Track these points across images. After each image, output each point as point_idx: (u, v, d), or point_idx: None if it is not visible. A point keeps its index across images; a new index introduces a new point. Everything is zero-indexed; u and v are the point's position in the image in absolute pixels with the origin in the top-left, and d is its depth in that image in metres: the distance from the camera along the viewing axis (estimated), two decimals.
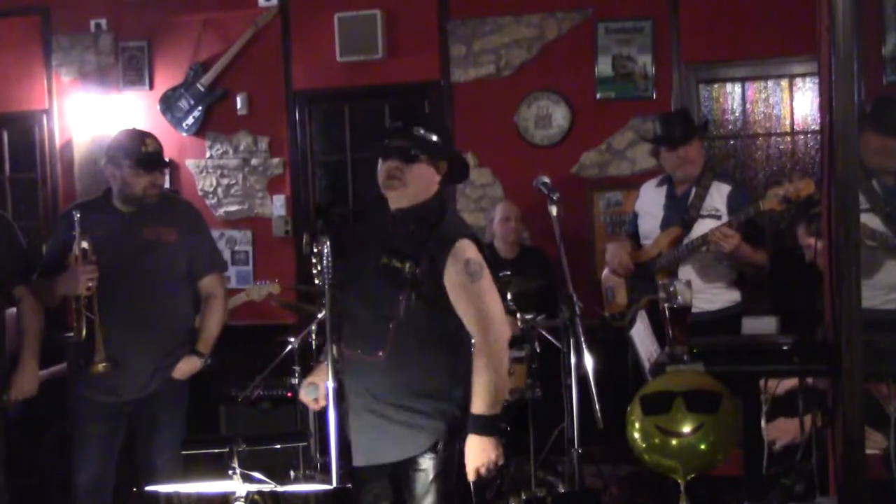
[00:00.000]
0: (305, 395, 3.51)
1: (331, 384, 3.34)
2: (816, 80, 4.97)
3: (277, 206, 6.72)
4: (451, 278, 3.16)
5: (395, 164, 3.20)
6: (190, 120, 6.78)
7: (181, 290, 4.21)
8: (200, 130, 6.81)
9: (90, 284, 3.94)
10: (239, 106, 6.72)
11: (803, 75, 5.97)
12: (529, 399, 5.01)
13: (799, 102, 6.03)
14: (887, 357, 3.00)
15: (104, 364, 3.96)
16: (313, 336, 5.26)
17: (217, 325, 4.27)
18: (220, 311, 4.30)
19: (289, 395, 5.40)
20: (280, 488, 2.90)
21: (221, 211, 6.80)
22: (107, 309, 3.99)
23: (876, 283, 3.98)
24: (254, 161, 6.76)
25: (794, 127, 6.05)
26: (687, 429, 2.79)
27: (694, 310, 3.44)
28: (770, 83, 6.08)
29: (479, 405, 3.15)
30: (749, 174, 6.06)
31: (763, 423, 3.42)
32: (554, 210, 3.79)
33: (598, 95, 6.20)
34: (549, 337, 5.00)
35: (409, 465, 3.22)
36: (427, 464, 3.21)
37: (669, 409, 2.81)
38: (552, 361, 4.47)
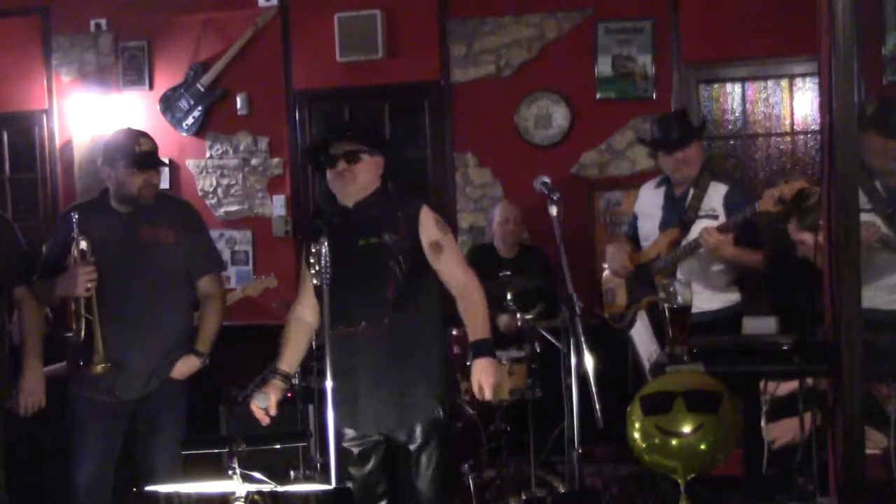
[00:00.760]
0: (256, 405, 3.75)
1: (329, 384, 3.34)
2: (816, 80, 4.98)
3: (277, 206, 6.72)
4: (428, 234, 3.67)
5: (342, 166, 3.69)
6: (190, 120, 6.78)
7: (179, 290, 4.21)
8: (200, 130, 6.81)
9: (89, 285, 3.94)
10: (239, 106, 6.72)
11: (803, 75, 5.97)
12: (529, 399, 5.01)
13: (799, 102, 6.03)
14: (887, 357, 3.00)
15: (103, 365, 3.96)
16: (313, 336, 5.25)
17: (215, 324, 4.27)
18: (219, 311, 4.29)
19: (289, 395, 5.39)
20: (280, 488, 2.89)
21: (221, 211, 6.80)
22: (105, 309, 3.99)
23: (877, 284, 3.98)
24: (254, 161, 6.76)
25: (794, 127, 6.05)
26: (687, 429, 2.79)
27: (693, 310, 3.43)
28: (770, 83, 6.08)
29: (482, 331, 3.70)
30: (749, 174, 6.06)
31: (763, 423, 3.42)
32: (554, 210, 3.78)
33: (598, 95, 6.20)
34: (549, 337, 5.00)
35: (412, 429, 3.65)
36: (428, 427, 3.65)
37: (669, 409, 2.81)
38: (552, 361, 4.46)
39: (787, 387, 3.45)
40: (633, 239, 5.09)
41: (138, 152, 4.06)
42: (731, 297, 4.80)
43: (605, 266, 5.15)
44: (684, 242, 4.73)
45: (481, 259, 5.85)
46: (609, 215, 6.19)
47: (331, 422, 3.32)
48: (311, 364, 5.28)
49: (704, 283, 4.68)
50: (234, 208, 6.80)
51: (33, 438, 4.77)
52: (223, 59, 6.69)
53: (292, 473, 5.05)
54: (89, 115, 6.88)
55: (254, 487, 2.87)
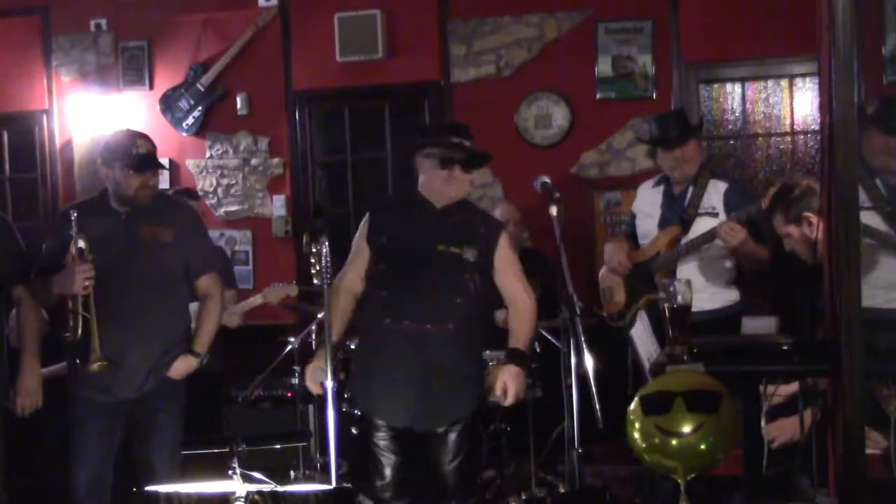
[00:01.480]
0: (312, 380, 3.87)
1: (329, 384, 3.34)
2: (816, 80, 4.96)
3: (277, 206, 6.72)
4: (503, 255, 3.96)
5: (457, 172, 3.88)
6: (190, 120, 6.78)
7: (177, 289, 4.21)
8: (200, 130, 6.81)
9: (86, 284, 3.94)
10: (239, 106, 6.72)
11: (803, 75, 5.97)
12: (529, 399, 5.00)
13: (799, 102, 6.03)
14: (887, 357, 3.00)
15: (100, 363, 3.96)
16: (313, 336, 5.26)
17: (213, 324, 4.28)
18: (217, 311, 4.30)
19: (289, 395, 5.40)
20: (280, 488, 2.90)
21: (221, 211, 6.80)
22: (103, 308, 3.99)
23: (876, 283, 3.97)
24: (254, 161, 6.76)
25: (794, 127, 6.05)
26: (687, 429, 2.79)
27: (693, 309, 3.44)
28: (770, 83, 6.08)
29: (522, 343, 3.92)
30: (749, 174, 6.06)
31: (763, 422, 3.41)
32: (554, 210, 3.78)
33: (598, 95, 6.20)
34: (549, 337, 5.00)
35: (453, 425, 3.86)
36: (464, 424, 3.88)
37: (669, 409, 2.81)
38: (552, 361, 4.46)
39: (787, 390, 3.45)
40: (632, 238, 5.09)
41: (135, 154, 4.06)
42: (731, 297, 4.80)
43: (604, 265, 5.15)
44: (686, 240, 4.73)
45: None
46: (609, 215, 6.19)
47: (331, 422, 3.32)
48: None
49: (704, 282, 4.68)
50: (234, 208, 6.80)
51: (32, 439, 4.77)
52: (223, 59, 6.68)
53: (292, 473, 5.05)
54: (89, 115, 6.88)
55: (254, 487, 2.87)
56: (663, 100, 6.05)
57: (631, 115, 6.11)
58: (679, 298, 3.24)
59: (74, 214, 3.99)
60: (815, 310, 3.14)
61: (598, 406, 3.57)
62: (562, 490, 4.93)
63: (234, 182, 6.79)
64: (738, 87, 6.12)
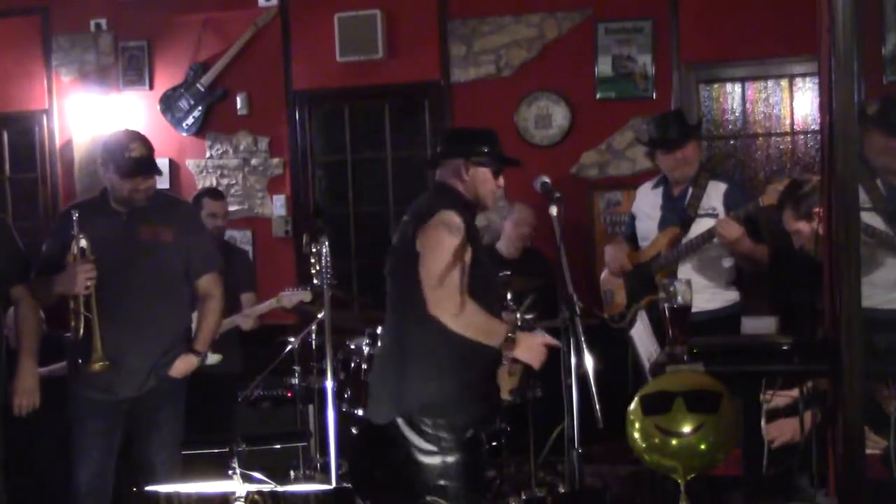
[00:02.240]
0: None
1: (330, 384, 3.34)
2: (816, 80, 4.97)
3: (277, 206, 6.72)
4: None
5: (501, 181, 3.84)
6: (190, 120, 6.78)
7: (178, 289, 4.21)
8: (200, 130, 6.81)
9: (88, 283, 3.95)
10: (239, 106, 6.72)
11: (803, 75, 5.97)
12: (529, 399, 5.01)
13: (799, 102, 6.03)
14: (887, 357, 3.00)
15: (100, 363, 3.97)
16: (313, 336, 5.26)
17: (214, 324, 4.28)
18: (217, 311, 4.30)
19: (289, 395, 5.40)
20: (280, 488, 2.90)
21: None
22: (104, 308, 3.99)
23: (876, 282, 3.97)
24: (254, 161, 6.76)
25: (794, 127, 6.05)
26: (687, 429, 2.79)
27: (693, 309, 3.44)
28: (770, 83, 6.08)
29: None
30: (749, 174, 6.06)
31: (763, 423, 3.42)
32: (554, 210, 3.78)
33: (598, 95, 6.20)
34: (549, 337, 4.99)
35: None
36: None
37: (669, 409, 2.81)
38: (552, 361, 4.46)
39: (784, 401, 3.46)
40: (631, 239, 5.09)
41: (126, 158, 4.04)
42: (731, 297, 4.81)
43: (605, 268, 5.15)
44: (686, 240, 4.73)
45: None
46: (609, 215, 6.19)
47: (331, 422, 3.32)
48: (312, 364, 5.29)
49: (704, 282, 4.68)
50: (234, 208, 6.79)
51: (31, 438, 4.77)
52: (223, 59, 6.69)
53: (292, 473, 5.05)
54: (89, 115, 6.88)
55: (254, 487, 2.88)
56: (663, 100, 6.05)
57: (631, 115, 6.11)
58: (679, 298, 3.24)
59: (76, 214, 3.99)
60: (815, 310, 3.14)
61: (598, 406, 3.57)
62: (562, 490, 4.93)
63: (234, 182, 6.79)
64: (738, 87, 6.12)
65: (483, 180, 3.83)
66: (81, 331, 3.97)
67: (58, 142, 7.02)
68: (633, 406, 2.92)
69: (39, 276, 4.12)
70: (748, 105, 6.10)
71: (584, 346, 3.59)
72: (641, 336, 3.64)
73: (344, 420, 4.50)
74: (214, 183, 6.79)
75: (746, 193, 4.88)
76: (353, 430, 4.74)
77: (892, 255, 4.04)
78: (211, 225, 5.33)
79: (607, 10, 6.16)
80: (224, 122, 6.78)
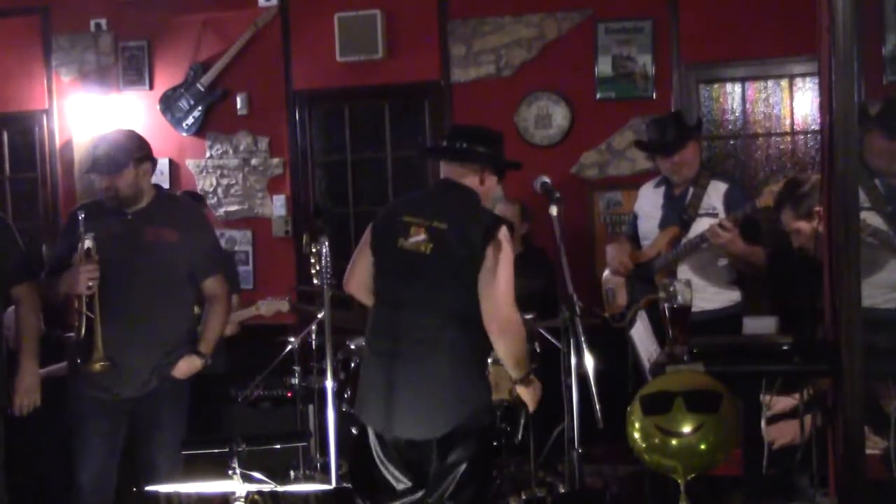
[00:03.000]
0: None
1: (330, 384, 3.34)
2: (816, 80, 4.97)
3: (277, 206, 6.72)
4: None
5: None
6: (190, 120, 6.78)
7: (182, 290, 4.21)
8: (200, 130, 6.81)
9: (90, 283, 3.95)
10: (239, 106, 6.72)
11: (803, 75, 5.96)
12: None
13: (799, 102, 6.02)
14: (887, 357, 3.00)
15: (101, 363, 3.97)
16: (313, 336, 5.26)
17: (219, 325, 4.28)
18: (223, 313, 4.30)
19: (289, 395, 5.40)
20: (280, 488, 2.90)
21: (221, 211, 6.80)
22: (107, 307, 3.99)
23: (876, 282, 3.97)
24: (254, 161, 6.76)
25: (794, 127, 6.04)
26: (687, 429, 2.79)
27: (693, 309, 3.44)
28: (770, 83, 6.07)
29: None
30: (749, 174, 6.06)
31: (763, 423, 3.42)
32: (554, 210, 3.77)
33: (598, 95, 6.20)
34: (549, 337, 5.00)
35: None
36: None
37: (669, 409, 2.81)
38: (552, 361, 4.46)
39: (783, 406, 3.47)
40: (634, 238, 5.09)
41: (91, 155, 4.09)
42: (732, 297, 4.81)
43: (607, 267, 5.16)
44: (685, 240, 4.73)
45: None
46: (609, 215, 6.19)
47: (331, 422, 3.32)
48: (312, 364, 5.29)
49: (705, 282, 4.69)
50: (234, 208, 6.80)
51: (32, 439, 4.77)
52: (223, 59, 6.68)
53: (292, 473, 5.05)
54: (89, 115, 6.88)
55: (254, 487, 2.88)
56: (663, 100, 6.05)
57: (631, 115, 6.11)
58: (679, 298, 3.24)
59: (82, 215, 4.00)
60: (815, 310, 3.14)
61: (598, 406, 3.57)
62: (562, 490, 4.93)
63: (234, 182, 6.79)
64: (738, 87, 6.11)
65: (493, 188, 3.84)
66: (83, 330, 3.97)
67: (58, 142, 7.02)
68: (632, 406, 2.92)
69: (49, 276, 4.13)
70: (748, 105, 6.10)
71: (584, 346, 3.59)
72: (641, 336, 3.65)
73: (344, 420, 4.50)
74: (215, 183, 6.79)
75: (747, 193, 4.88)
76: (353, 430, 4.74)
77: (893, 256, 4.04)
78: None
79: (607, 10, 6.16)
80: (224, 122, 6.78)
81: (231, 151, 6.79)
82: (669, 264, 4.76)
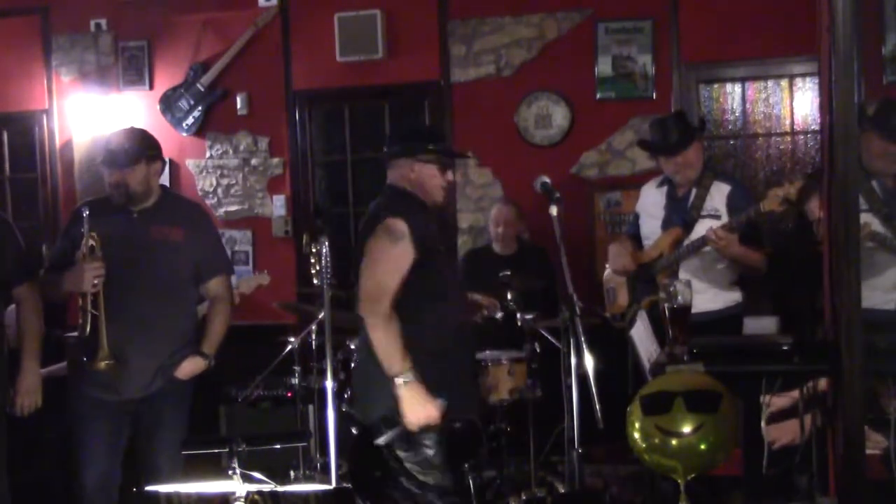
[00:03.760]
0: None
1: (330, 384, 3.34)
2: (816, 80, 4.97)
3: (277, 206, 6.72)
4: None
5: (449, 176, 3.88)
6: (190, 120, 6.78)
7: (186, 290, 4.21)
8: (200, 130, 6.81)
9: (96, 282, 3.94)
10: (239, 106, 6.72)
11: (803, 75, 5.96)
12: (529, 399, 5.01)
13: (799, 102, 6.03)
14: (887, 357, 3.00)
15: (106, 362, 3.96)
16: (313, 336, 5.26)
17: (223, 326, 4.26)
18: (226, 314, 4.29)
19: (289, 395, 5.40)
20: (280, 488, 2.90)
21: (221, 211, 6.80)
22: (112, 306, 3.98)
23: (875, 284, 3.98)
24: (254, 161, 6.76)
25: (794, 127, 6.05)
26: (687, 429, 2.79)
27: (694, 310, 3.44)
28: (770, 83, 6.08)
29: None
30: (749, 174, 6.06)
31: (763, 423, 3.42)
32: (554, 210, 3.78)
33: (598, 95, 6.20)
34: (549, 337, 5.00)
35: None
36: None
37: (669, 409, 2.81)
38: (552, 361, 4.46)
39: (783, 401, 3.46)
40: (636, 238, 5.08)
41: (106, 150, 4.09)
42: (733, 297, 4.80)
43: (608, 265, 5.15)
44: (687, 242, 4.72)
45: (476, 263, 5.85)
46: (609, 215, 6.19)
47: (331, 422, 3.32)
48: (312, 364, 5.29)
49: (707, 283, 4.68)
50: (234, 208, 6.80)
51: (34, 439, 4.77)
52: (223, 59, 6.68)
53: (292, 473, 5.05)
54: (89, 115, 6.88)
55: (254, 487, 2.87)
56: (663, 100, 6.05)
57: (631, 115, 6.11)
58: (679, 298, 3.24)
59: (86, 212, 3.99)
60: (815, 310, 3.14)
61: (598, 406, 3.57)
62: (562, 490, 4.93)
63: (234, 182, 6.79)
64: (738, 87, 6.12)
65: (430, 176, 3.86)
66: (88, 329, 3.97)
67: (58, 142, 7.02)
68: (632, 406, 2.93)
69: (49, 273, 4.12)
70: (748, 105, 6.10)
71: (584, 346, 3.59)
72: (641, 336, 3.64)
73: (344, 420, 4.49)
74: (215, 183, 6.79)
75: (750, 195, 4.87)
76: (353, 430, 4.74)
77: (891, 257, 4.04)
78: None
79: (607, 10, 6.16)
80: (224, 122, 6.79)
81: (231, 151, 6.79)
82: (672, 265, 4.75)
